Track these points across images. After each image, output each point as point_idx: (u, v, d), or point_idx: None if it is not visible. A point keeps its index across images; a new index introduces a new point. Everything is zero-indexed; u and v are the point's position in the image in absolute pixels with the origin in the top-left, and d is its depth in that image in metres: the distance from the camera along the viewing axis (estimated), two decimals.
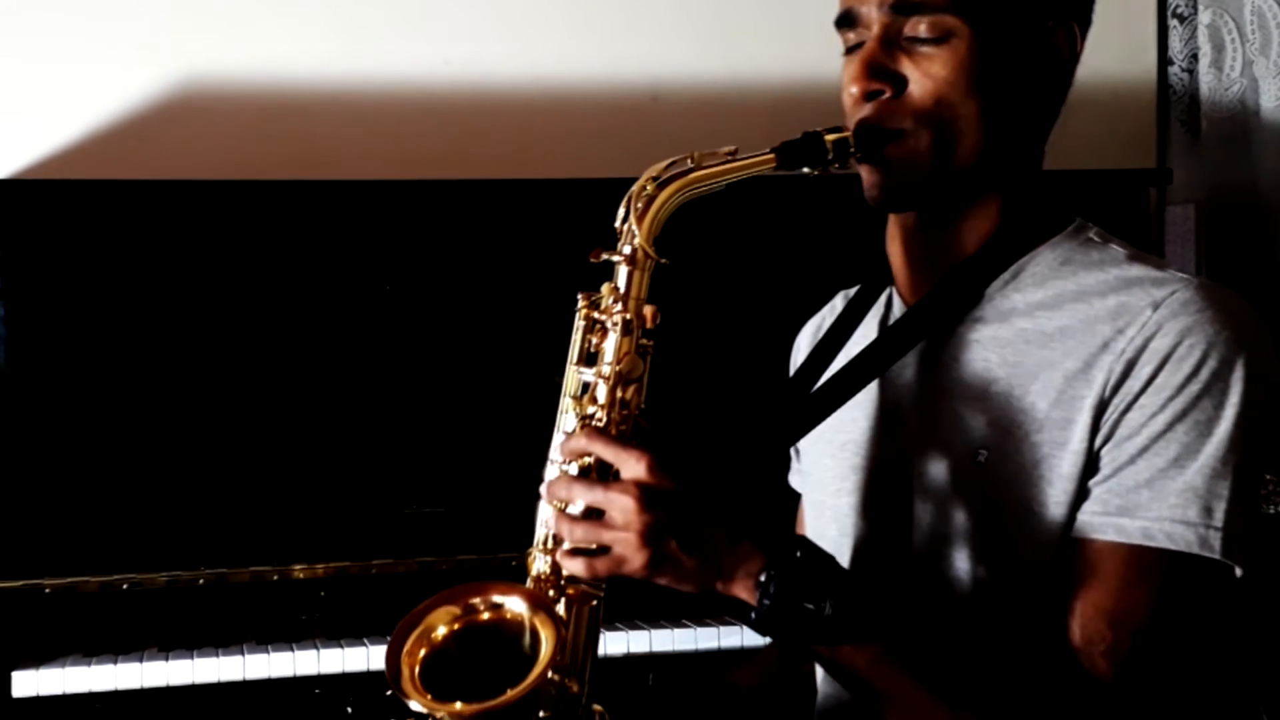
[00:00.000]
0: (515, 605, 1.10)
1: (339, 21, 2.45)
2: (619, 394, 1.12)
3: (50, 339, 2.13)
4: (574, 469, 1.11)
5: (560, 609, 1.11)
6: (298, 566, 2.12)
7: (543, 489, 1.12)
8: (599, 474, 1.10)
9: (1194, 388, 1.07)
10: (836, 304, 1.42)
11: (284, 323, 2.21)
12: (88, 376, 2.14)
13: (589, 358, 1.15)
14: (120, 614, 2.09)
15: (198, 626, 2.11)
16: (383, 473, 2.22)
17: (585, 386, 1.14)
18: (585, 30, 2.55)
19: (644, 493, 1.05)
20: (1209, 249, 2.77)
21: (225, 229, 2.21)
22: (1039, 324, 1.16)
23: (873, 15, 1.16)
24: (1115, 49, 2.82)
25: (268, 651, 2.03)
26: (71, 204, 2.17)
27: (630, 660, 2.09)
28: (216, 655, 2.02)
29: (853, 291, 1.38)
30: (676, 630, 2.12)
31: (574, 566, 1.08)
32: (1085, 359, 1.12)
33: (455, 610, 1.10)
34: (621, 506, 1.05)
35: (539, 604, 1.09)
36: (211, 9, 2.39)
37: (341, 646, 2.05)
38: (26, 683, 1.96)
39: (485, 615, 1.10)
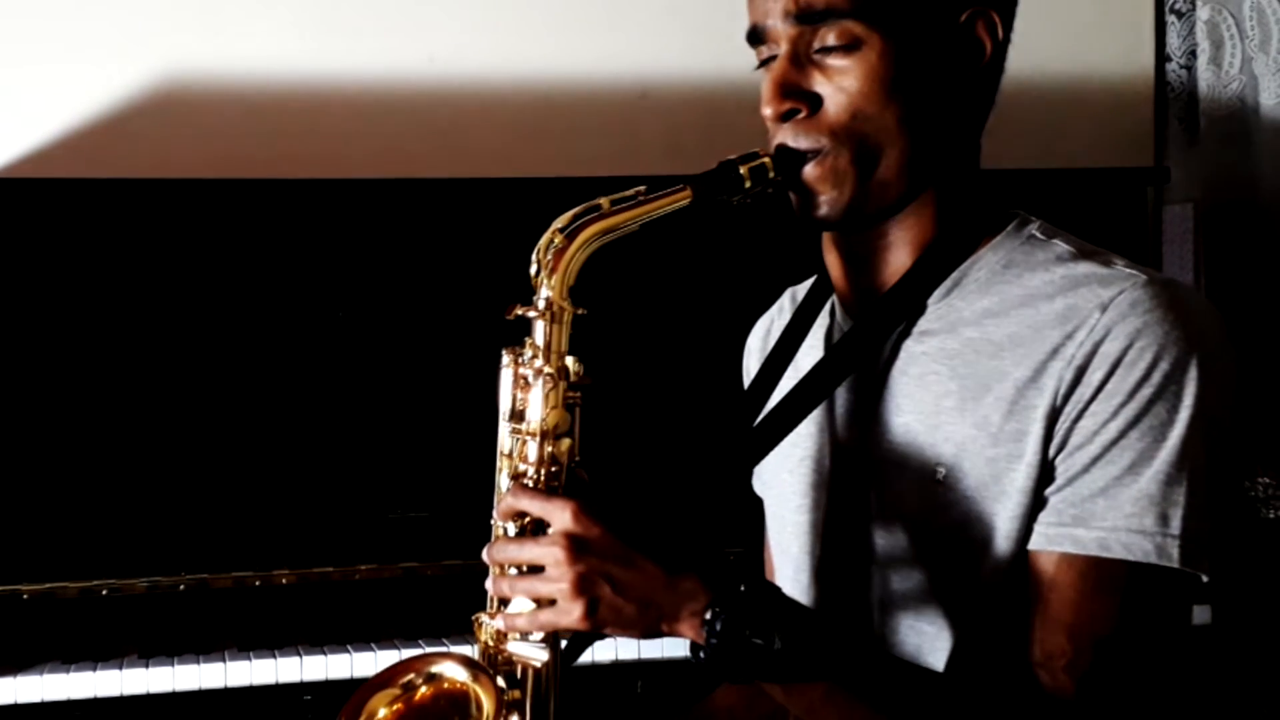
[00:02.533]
0: (455, 674, 1.11)
1: (321, 17, 2.43)
2: (548, 449, 1.11)
3: (29, 340, 2.11)
4: (513, 529, 1.10)
5: (517, 669, 1.11)
6: (280, 572, 2.11)
7: (484, 554, 1.11)
8: (535, 530, 1.09)
9: (1146, 392, 1.05)
10: (784, 304, 1.40)
11: (266, 323, 2.19)
12: (67, 378, 2.12)
13: (520, 414, 1.14)
14: (99, 620, 2.07)
15: (179, 633, 2.08)
16: (367, 477, 2.20)
17: (517, 443, 1.13)
18: (573, 25, 2.53)
19: (572, 542, 1.04)
20: (1207, 248, 2.75)
21: (207, 228, 2.19)
22: (987, 333, 1.13)
23: (779, 28, 1.13)
24: (1112, 46, 2.81)
25: (250, 659, 2.01)
26: (50, 203, 2.15)
27: (618, 668, 2.06)
28: (198, 662, 2.00)
29: (800, 290, 1.35)
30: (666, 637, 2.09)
31: (517, 624, 1.08)
32: (1035, 367, 1.09)
33: (395, 691, 1.11)
34: (553, 559, 1.04)
35: (478, 670, 1.10)
36: (192, 5, 2.37)
37: (325, 654, 2.03)
38: (3, 690, 1.94)
39: (425, 689, 1.11)
